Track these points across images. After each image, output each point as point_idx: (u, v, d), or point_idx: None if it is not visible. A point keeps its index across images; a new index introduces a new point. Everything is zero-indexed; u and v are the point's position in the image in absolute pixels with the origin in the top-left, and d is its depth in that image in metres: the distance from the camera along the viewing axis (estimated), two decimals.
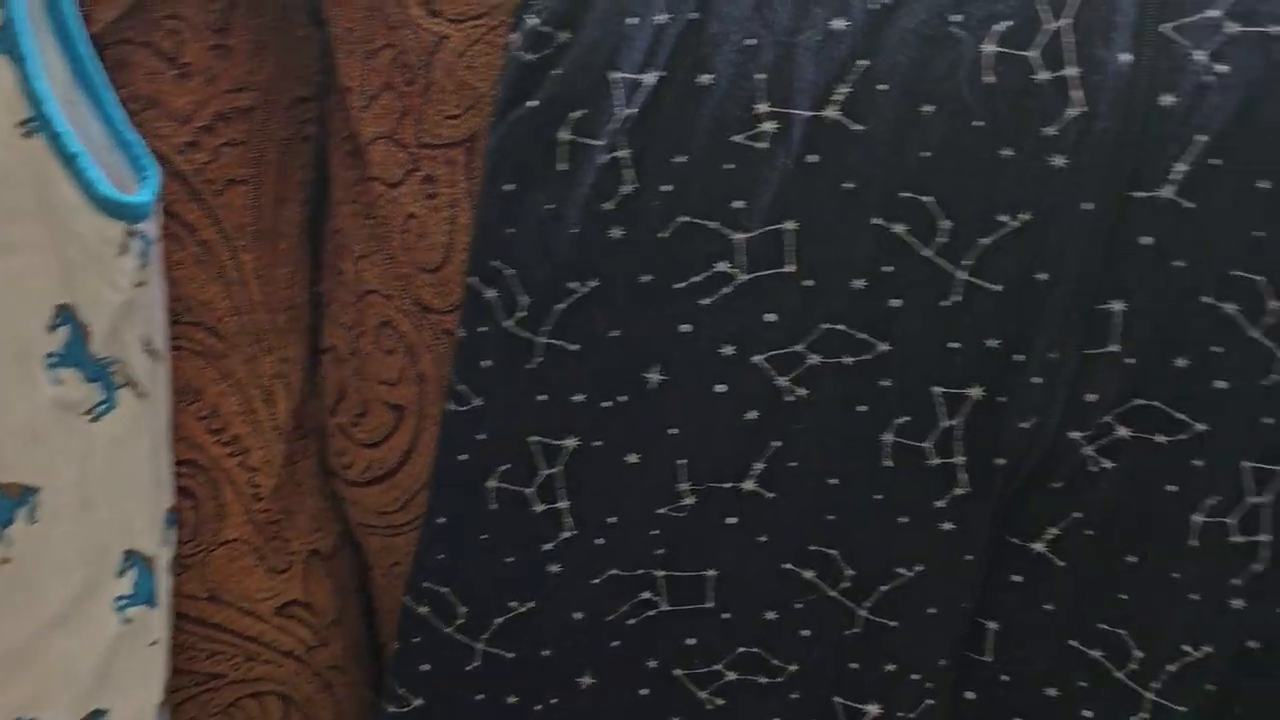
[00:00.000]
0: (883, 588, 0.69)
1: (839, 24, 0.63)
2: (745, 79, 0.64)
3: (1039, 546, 0.67)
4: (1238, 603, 0.67)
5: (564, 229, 0.65)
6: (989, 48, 0.63)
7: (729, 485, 0.68)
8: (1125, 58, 0.61)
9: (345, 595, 0.82)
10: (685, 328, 0.65)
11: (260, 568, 0.76)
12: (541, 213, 0.65)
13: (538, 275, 0.65)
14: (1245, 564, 0.66)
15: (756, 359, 0.65)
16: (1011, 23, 0.62)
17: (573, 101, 0.64)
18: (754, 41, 0.64)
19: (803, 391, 0.66)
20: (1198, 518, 0.66)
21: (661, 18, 0.63)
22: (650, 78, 0.64)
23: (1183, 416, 0.64)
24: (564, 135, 0.64)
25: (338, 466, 0.78)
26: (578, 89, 0.64)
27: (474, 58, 0.69)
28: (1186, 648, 0.68)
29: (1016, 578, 0.68)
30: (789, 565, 0.69)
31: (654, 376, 0.66)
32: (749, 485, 0.67)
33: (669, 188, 0.64)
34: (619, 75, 0.63)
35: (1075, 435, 0.65)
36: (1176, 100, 0.61)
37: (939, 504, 0.67)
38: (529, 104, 0.64)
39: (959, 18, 0.63)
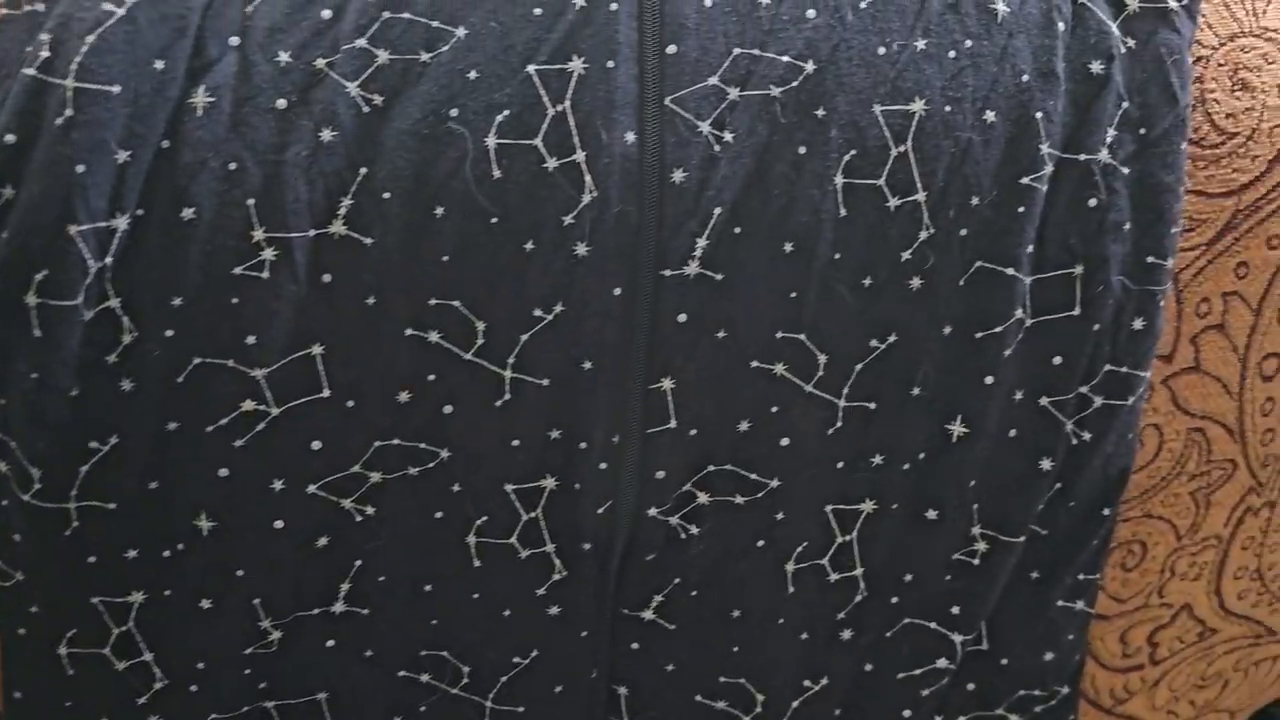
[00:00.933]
0: (503, 678, 0.67)
1: (327, 135, 0.58)
2: (233, 206, 0.58)
3: (648, 614, 0.66)
4: (846, 633, 0.67)
5: (59, 393, 0.58)
6: (493, 140, 0.58)
7: (317, 611, 0.64)
8: (630, 137, 0.59)
9: None
10: (224, 472, 0.60)
11: None
12: (27, 382, 0.58)
13: (39, 445, 0.59)
14: (848, 598, 0.65)
15: (311, 489, 0.61)
16: (510, 111, 0.58)
17: (32, 263, 0.57)
18: (235, 165, 0.57)
19: (371, 510, 0.62)
20: (790, 566, 0.65)
21: (122, 155, 0.56)
22: (122, 222, 0.57)
23: (755, 476, 0.63)
24: (31, 300, 0.57)
25: None
26: (33, 250, 0.57)
27: None
28: (807, 683, 0.68)
29: (635, 645, 0.67)
30: (404, 673, 0.66)
31: (204, 524, 0.61)
32: (339, 607, 0.64)
33: (171, 333, 0.58)
34: (79, 229, 0.56)
35: (653, 512, 0.63)
36: (687, 175, 0.59)
37: (540, 592, 0.65)
38: None
39: (456, 112, 0.58)
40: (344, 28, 0.59)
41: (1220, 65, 0.67)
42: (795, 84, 0.60)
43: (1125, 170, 0.62)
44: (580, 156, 0.59)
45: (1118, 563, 0.71)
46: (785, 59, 0.60)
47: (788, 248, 0.60)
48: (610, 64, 0.59)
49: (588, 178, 0.59)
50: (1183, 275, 0.67)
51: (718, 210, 0.59)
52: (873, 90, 0.60)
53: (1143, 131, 0.63)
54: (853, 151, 0.60)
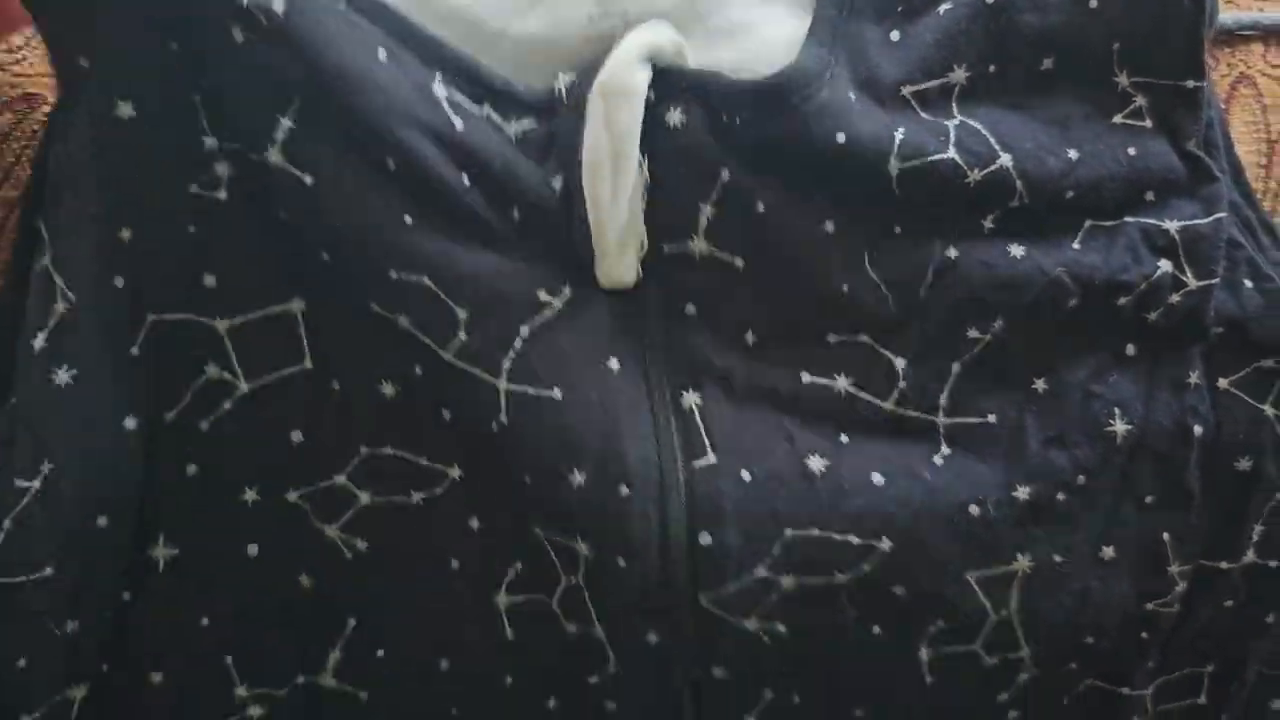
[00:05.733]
0: None
1: (306, 582, 0.51)
2: (211, 665, 0.50)
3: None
4: None
5: None
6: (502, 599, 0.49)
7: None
8: (653, 638, 0.50)
9: None
10: None
11: None
12: None
13: None
14: None
15: None
16: (520, 567, 0.50)
17: None
18: (208, 621, 0.50)
19: None
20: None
21: (71, 625, 0.47)
22: (77, 692, 0.48)
23: None
24: None
25: None
26: None
27: None
28: None
29: None
30: None
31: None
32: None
33: None
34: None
35: None
36: (725, 674, 0.50)
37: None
38: None
39: (455, 565, 0.50)
40: (319, 458, 0.49)
41: None
42: (867, 568, 0.48)
43: (1274, 564, 0.51)
44: (600, 632, 0.49)
45: None
46: (853, 540, 0.48)
47: (859, 714, 0.50)
48: (620, 561, 0.47)
49: (611, 655, 0.49)
50: None
51: (769, 694, 0.50)
52: (965, 561, 0.48)
53: None
54: (939, 623, 0.49)
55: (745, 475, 0.48)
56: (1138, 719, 0.53)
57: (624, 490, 0.47)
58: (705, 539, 0.48)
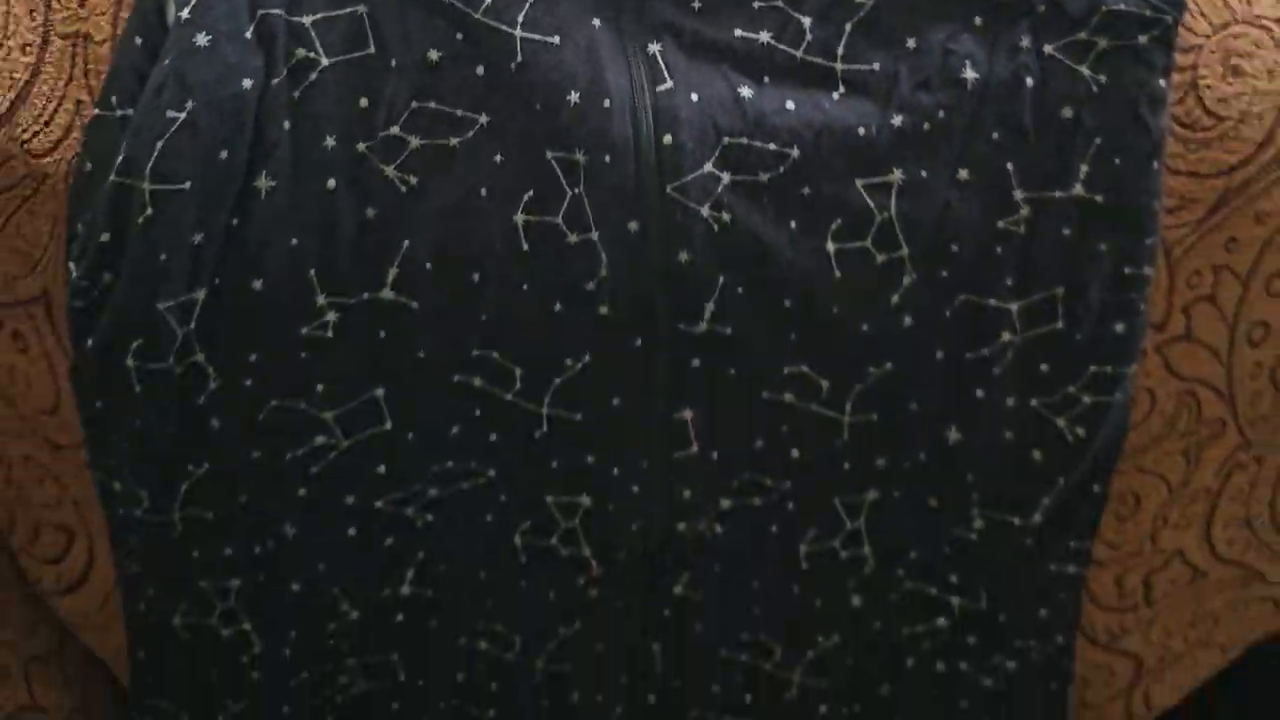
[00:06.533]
0: (551, 645, 0.76)
1: (371, 212, 0.66)
2: (298, 276, 0.67)
3: (679, 589, 0.74)
4: (856, 599, 0.75)
5: (161, 433, 0.68)
6: (519, 219, 0.66)
7: (387, 592, 0.74)
8: (633, 225, 0.66)
9: (82, 684, 0.86)
10: (302, 492, 0.70)
11: None
12: (131, 426, 0.68)
13: (145, 473, 0.69)
14: (856, 571, 0.74)
15: (379, 504, 0.70)
16: (533, 192, 0.66)
17: (128, 335, 0.66)
18: (296, 241, 0.66)
19: (430, 517, 0.71)
20: (803, 548, 0.73)
21: (196, 236, 0.65)
22: (200, 294, 0.66)
23: (770, 483, 0.71)
24: (130, 363, 0.66)
25: (33, 581, 0.82)
26: (130, 324, 0.66)
27: (20, 226, 0.71)
28: (820, 639, 0.76)
29: (666, 612, 0.75)
30: (464, 639, 0.76)
31: (289, 529, 0.71)
32: (406, 590, 0.73)
33: (249, 382, 0.67)
34: (164, 305, 0.66)
35: (682, 526, 0.72)
36: (690, 256, 0.67)
37: (580, 582, 0.73)
38: (90, 343, 0.66)
39: (484, 192, 0.65)
40: (379, 116, 0.66)
41: (1213, 52, 0.72)
42: (782, 169, 0.66)
43: (1099, 199, 0.68)
44: (595, 235, 0.66)
45: (1112, 513, 0.77)
46: (772, 147, 0.66)
47: (787, 303, 0.68)
48: (606, 158, 0.66)
49: (604, 254, 0.66)
50: (1175, 251, 0.73)
51: (722, 279, 0.67)
52: (852, 169, 0.66)
53: (1117, 162, 0.68)
54: (839, 220, 0.66)
55: (694, 97, 0.67)
56: (1008, 334, 0.69)
57: (606, 103, 0.65)
58: (667, 139, 0.66)
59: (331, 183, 0.67)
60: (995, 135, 0.67)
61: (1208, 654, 0.84)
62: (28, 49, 0.70)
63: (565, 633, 0.75)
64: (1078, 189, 0.67)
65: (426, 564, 0.73)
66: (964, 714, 0.77)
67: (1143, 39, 0.68)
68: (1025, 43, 0.68)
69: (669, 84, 0.67)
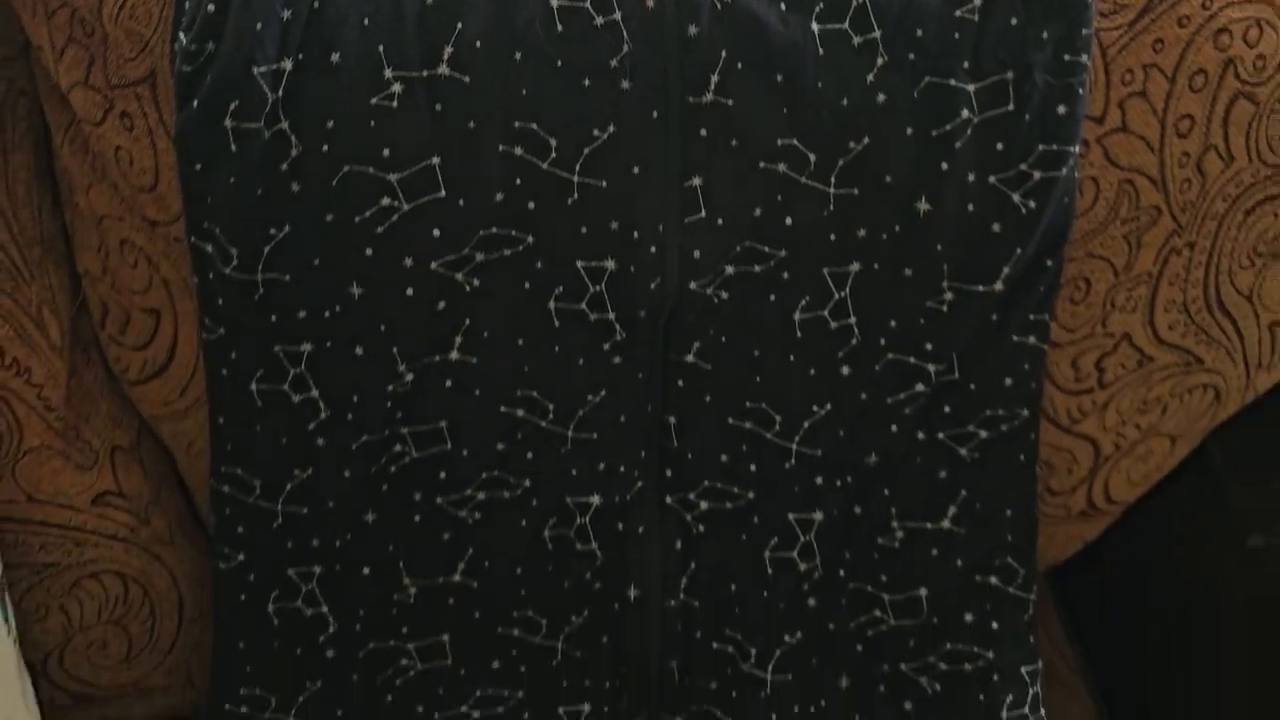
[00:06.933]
0: (581, 412, 0.86)
1: None
2: (368, 52, 0.78)
3: (690, 358, 0.85)
4: (845, 369, 0.86)
5: (249, 193, 0.79)
6: (555, 2, 0.78)
7: (438, 358, 0.84)
8: (650, 2, 0.78)
9: (157, 478, 0.93)
10: (369, 251, 0.81)
11: (68, 467, 0.86)
12: (227, 185, 0.79)
13: (237, 231, 0.80)
14: (845, 341, 0.85)
15: (434, 265, 0.81)
16: None
17: (227, 97, 0.78)
18: (368, 20, 0.78)
19: (477, 282, 0.82)
20: (797, 315, 0.84)
21: (286, 13, 0.77)
22: (288, 64, 0.78)
23: (768, 249, 0.82)
24: (229, 123, 0.78)
25: (118, 371, 0.93)
26: (229, 86, 0.78)
27: (134, 9, 0.82)
28: (814, 407, 0.85)
29: (680, 382, 0.86)
30: (503, 408, 0.86)
31: (355, 290, 0.82)
32: (454, 355, 0.84)
33: (326, 147, 0.78)
34: (259, 69, 0.77)
35: (694, 285, 0.82)
36: (698, 30, 0.78)
37: (605, 347, 0.84)
38: (195, 103, 0.78)
39: None
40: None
41: None
42: None
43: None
44: (618, 15, 0.78)
45: (1066, 297, 0.84)
46: None
47: (779, 78, 0.79)
48: None
49: (625, 32, 0.78)
50: (1110, 50, 0.83)
51: (724, 53, 0.78)
52: None
53: None
54: (822, 4, 0.78)
55: None
56: (967, 111, 0.80)
57: None
58: None
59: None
60: None
61: (1159, 443, 0.92)
62: None
63: (593, 400, 0.85)
64: None
65: (472, 329, 0.83)
66: (943, 484, 0.85)
67: None
68: None
69: None
